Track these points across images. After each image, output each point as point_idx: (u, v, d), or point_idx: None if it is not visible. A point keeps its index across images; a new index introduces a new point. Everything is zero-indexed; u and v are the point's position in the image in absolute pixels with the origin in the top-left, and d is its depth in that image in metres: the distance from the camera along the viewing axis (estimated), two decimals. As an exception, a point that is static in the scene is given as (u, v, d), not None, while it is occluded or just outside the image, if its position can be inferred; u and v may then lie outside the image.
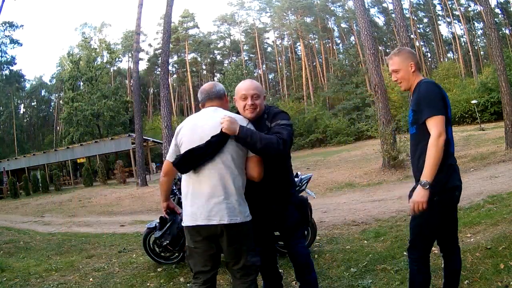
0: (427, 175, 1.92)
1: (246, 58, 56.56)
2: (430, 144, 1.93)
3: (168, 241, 2.38)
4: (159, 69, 22.85)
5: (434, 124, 1.95)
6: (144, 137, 21.57)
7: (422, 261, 2.12)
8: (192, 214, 2.08)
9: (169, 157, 2.29)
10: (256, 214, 2.25)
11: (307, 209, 2.81)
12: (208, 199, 2.04)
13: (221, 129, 2.04)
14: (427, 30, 51.62)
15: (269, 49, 58.61)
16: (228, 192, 2.05)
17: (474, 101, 24.63)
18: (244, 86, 2.41)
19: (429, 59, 53.57)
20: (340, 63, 44.00)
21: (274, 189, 2.42)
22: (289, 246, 2.62)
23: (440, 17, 48.92)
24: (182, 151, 2.15)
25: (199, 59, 57.01)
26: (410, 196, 2.10)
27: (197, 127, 2.16)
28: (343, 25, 52.49)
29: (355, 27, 44.17)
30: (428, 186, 1.91)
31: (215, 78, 58.20)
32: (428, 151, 1.93)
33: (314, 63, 53.23)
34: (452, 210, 2.12)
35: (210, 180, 2.06)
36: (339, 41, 54.36)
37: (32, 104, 55.96)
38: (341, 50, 51.07)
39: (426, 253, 2.14)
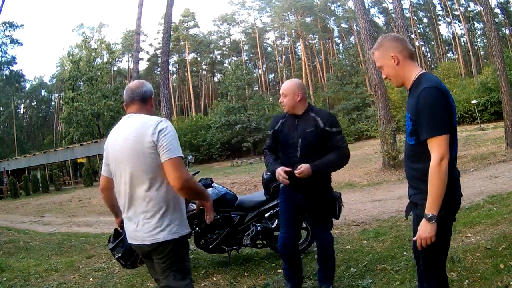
0: (432, 208, 1.66)
1: (246, 58, 56.60)
2: (432, 171, 1.63)
3: (119, 254, 2.34)
4: (159, 69, 22.85)
5: (436, 146, 1.64)
6: (144, 137, 21.55)
7: (441, 277, 1.95)
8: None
9: (104, 171, 2.09)
10: (297, 201, 2.76)
11: (335, 204, 2.96)
12: None
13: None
14: (427, 30, 51.66)
15: (269, 49, 58.64)
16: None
17: (474, 101, 24.64)
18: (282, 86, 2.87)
19: (429, 59, 53.58)
20: (340, 63, 44.03)
21: (315, 182, 2.68)
22: (317, 233, 2.97)
23: (440, 17, 48.96)
24: (112, 169, 1.98)
25: (199, 59, 57.03)
26: (406, 211, 1.92)
27: (116, 144, 1.95)
28: (343, 25, 52.56)
29: (355, 27, 44.19)
30: (434, 220, 1.66)
31: (215, 78, 58.32)
32: (430, 180, 1.64)
33: (314, 63, 53.27)
34: (453, 220, 1.91)
35: None
36: (339, 41, 54.44)
37: (32, 104, 56.03)
38: (341, 50, 51.13)
39: (444, 269, 1.96)
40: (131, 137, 1.84)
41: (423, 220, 1.69)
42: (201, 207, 2.04)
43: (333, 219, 2.98)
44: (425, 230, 1.69)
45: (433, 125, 1.64)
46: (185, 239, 1.95)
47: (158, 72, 44.40)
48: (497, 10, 40.84)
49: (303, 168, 2.54)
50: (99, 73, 34.28)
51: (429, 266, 1.91)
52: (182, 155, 1.83)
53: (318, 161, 2.62)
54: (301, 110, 2.75)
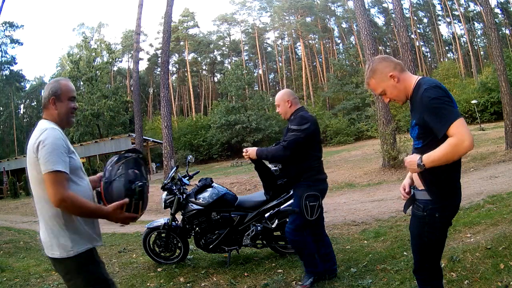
0: (428, 161, 1.66)
1: (246, 58, 56.58)
2: (450, 142, 1.59)
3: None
4: (159, 69, 22.85)
5: (455, 129, 1.59)
6: (144, 137, 21.59)
7: (435, 277, 1.95)
8: None
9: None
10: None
11: (300, 202, 3.00)
12: None
13: None
14: (427, 30, 51.66)
15: (269, 49, 58.65)
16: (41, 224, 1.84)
17: (474, 101, 24.65)
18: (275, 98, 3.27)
19: (429, 59, 53.59)
20: (340, 63, 44.02)
21: (288, 176, 3.16)
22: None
23: (440, 17, 48.96)
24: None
25: (199, 59, 57.02)
26: (405, 206, 1.98)
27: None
28: (343, 25, 52.56)
29: (355, 27, 44.20)
30: (421, 167, 1.68)
31: (215, 78, 58.33)
32: (444, 146, 1.61)
33: (314, 63, 53.28)
34: (449, 224, 1.95)
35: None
36: (339, 41, 54.43)
37: (32, 104, 56.02)
38: (341, 50, 51.12)
39: (437, 269, 1.96)
40: (28, 147, 1.75)
41: (415, 155, 1.73)
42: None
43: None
44: (412, 160, 1.72)
45: (445, 115, 1.63)
46: (85, 255, 1.76)
47: (158, 72, 44.46)
48: (497, 10, 40.87)
49: (249, 149, 3.15)
50: (99, 73, 34.28)
51: (422, 267, 1.95)
52: (61, 169, 1.64)
53: (265, 148, 3.17)
54: (291, 114, 3.16)
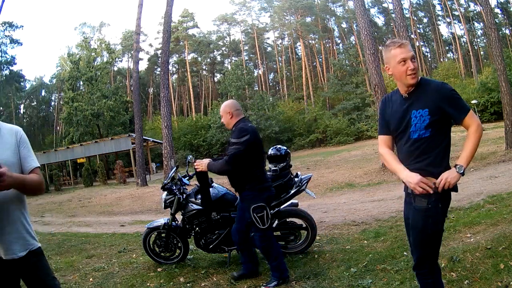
0: (465, 161, 1.87)
1: (246, 58, 56.55)
2: (475, 131, 1.89)
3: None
4: (159, 69, 22.85)
5: (473, 116, 1.92)
6: (144, 137, 21.57)
7: (435, 272, 2.03)
8: None
9: None
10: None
11: (249, 214, 3.16)
12: None
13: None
14: (427, 30, 51.63)
15: (269, 49, 58.61)
16: None
17: (474, 101, 24.69)
18: None
19: (429, 59, 53.56)
20: (340, 63, 43.99)
21: (233, 186, 3.34)
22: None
23: (440, 17, 48.94)
24: None
25: (199, 59, 56.99)
26: (405, 189, 2.04)
27: None
28: (343, 25, 52.52)
29: (355, 27, 44.18)
30: (462, 172, 1.86)
31: (215, 78, 58.32)
32: (472, 138, 1.89)
33: (314, 63, 53.23)
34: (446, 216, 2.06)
35: None
36: (339, 41, 54.37)
37: (32, 104, 56.01)
38: (341, 50, 51.04)
39: (436, 264, 2.04)
40: None
41: (453, 169, 1.88)
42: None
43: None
44: (454, 176, 1.86)
45: (463, 104, 1.93)
46: None
47: (158, 72, 44.44)
48: (497, 10, 40.85)
49: (202, 161, 3.28)
50: (99, 73, 34.23)
51: (422, 262, 2.01)
52: None
53: (214, 162, 3.25)
54: (233, 125, 3.24)
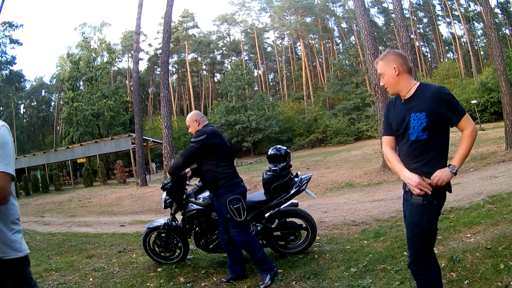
0: (458, 162, 1.99)
1: (246, 58, 56.56)
2: (469, 135, 2.00)
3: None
4: (159, 69, 22.85)
5: (468, 120, 2.01)
6: (144, 137, 21.59)
7: (432, 266, 2.09)
8: None
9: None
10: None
11: (226, 208, 3.27)
12: None
13: None
14: (427, 30, 51.63)
15: (269, 49, 58.61)
16: None
17: (474, 101, 24.65)
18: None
19: (429, 59, 53.58)
20: (340, 63, 44.02)
21: (206, 185, 3.55)
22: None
23: (440, 17, 48.93)
24: None
25: (199, 59, 57.01)
26: (404, 187, 2.15)
27: None
28: (343, 25, 52.52)
29: (355, 27, 44.17)
30: (455, 172, 1.97)
31: (215, 78, 58.33)
32: (466, 141, 2.00)
33: (314, 63, 53.23)
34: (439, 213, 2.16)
35: None
36: (339, 41, 54.38)
37: (32, 104, 56.00)
38: (341, 50, 51.06)
39: (432, 259, 2.12)
40: None
41: (446, 168, 1.98)
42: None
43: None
44: (447, 174, 1.96)
45: (460, 108, 2.02)
46: None
47: (158, 72, 44.46)
48: (497, 10, 40.85)
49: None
50: (99, 73, 34.24)
51: (418, 257, 2.09)
52: None
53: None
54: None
